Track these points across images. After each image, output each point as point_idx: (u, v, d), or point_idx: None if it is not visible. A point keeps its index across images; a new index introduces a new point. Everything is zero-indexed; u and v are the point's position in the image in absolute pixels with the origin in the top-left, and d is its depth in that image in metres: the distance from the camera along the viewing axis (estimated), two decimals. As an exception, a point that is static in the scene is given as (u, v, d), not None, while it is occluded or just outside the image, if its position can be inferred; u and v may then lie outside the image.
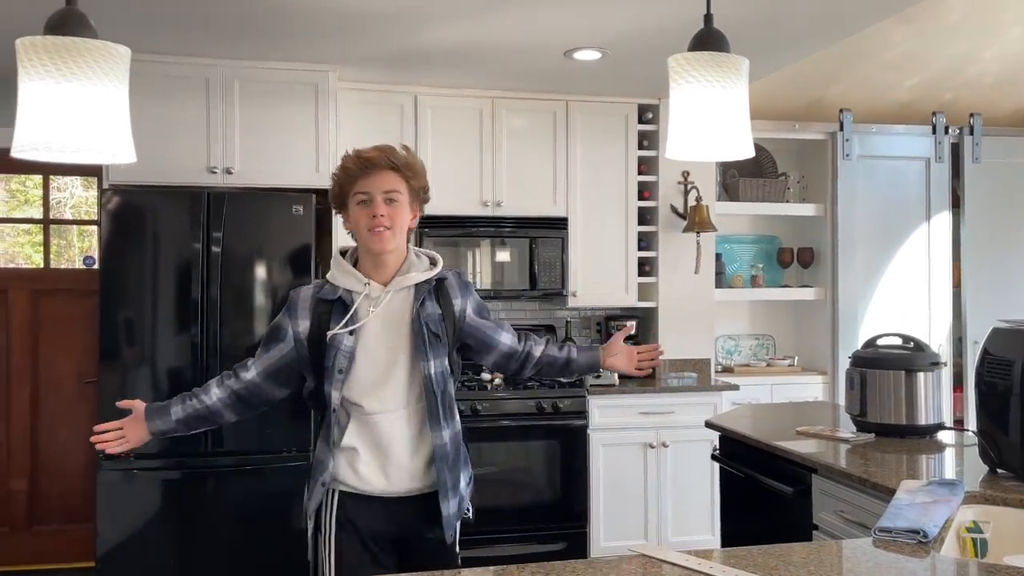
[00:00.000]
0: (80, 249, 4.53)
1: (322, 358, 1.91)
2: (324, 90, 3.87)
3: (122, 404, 2.01)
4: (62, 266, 4.44)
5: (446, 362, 2.00)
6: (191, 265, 3.53)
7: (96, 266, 4.33)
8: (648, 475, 4.21)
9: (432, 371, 1.93)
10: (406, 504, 1.96)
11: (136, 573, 3.47)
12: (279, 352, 1.98)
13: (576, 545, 4.09)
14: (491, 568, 1.48)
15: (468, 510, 2.08)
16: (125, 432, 1.98)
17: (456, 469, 1.98)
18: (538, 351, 2.17)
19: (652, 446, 4.20)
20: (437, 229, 4.25)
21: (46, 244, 4.35)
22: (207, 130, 3.75)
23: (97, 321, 4.19)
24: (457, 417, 2.05)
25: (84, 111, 1.11)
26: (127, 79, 1.20)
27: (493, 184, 4.35)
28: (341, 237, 4.05)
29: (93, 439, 1.97)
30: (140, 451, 3.44)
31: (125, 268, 3.50)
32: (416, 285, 1.98)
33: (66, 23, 1.15)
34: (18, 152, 1.18)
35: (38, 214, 4.38)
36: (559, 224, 4.41)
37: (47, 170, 4.27)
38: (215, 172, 3.75)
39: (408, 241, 2.07)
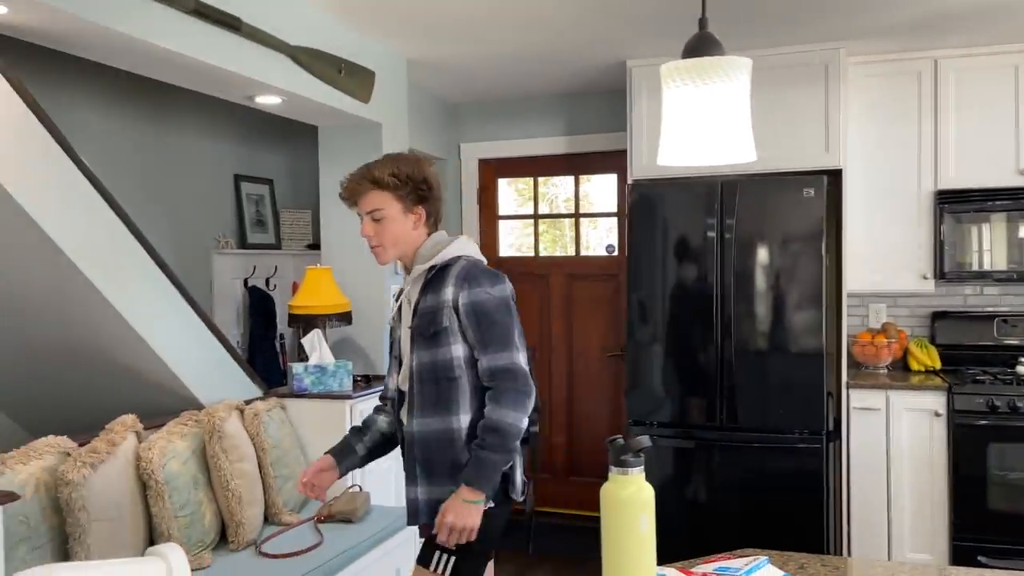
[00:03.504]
0: (572, 238, 5.16)
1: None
2: (834, 68, 3.79)
3: (307, 478, 2.08)
4: (585, 254, 5.12)
5: (443, 354, 1.96)
6: (705, 251, 3.78)
7: (615, 253, 4.91)
8: None
9: (413, 363, 1.98)
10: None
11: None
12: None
13: None
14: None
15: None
16: (315, 482, 2.08)
17: (436, 459, 1.97)
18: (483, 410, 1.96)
19: None
20: (961, 204, 3.87)
21: (576, 236, 5.07)
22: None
23: (617, 301, 4.77)
24: (462, 412, 1.97)
25: (716, 120, 1.32)
26: (748, 86, 1.38)
27: (1033, 149, 3.79)
28: (852, 217, 3.95)
29: (299, 489, 2.11)
30: (661, 420, 3.84)
31: (646, 254, 3.89)
32: (418, 275, 2.03)
33: (700, 45, 1.37)
34: (664, 160, 1.44)
35: (531, 210, 5.12)
36: None
37: (577, 171, 4.97)
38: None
39: (433, 229, 2.09)
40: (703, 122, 1.35)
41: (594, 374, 4.93)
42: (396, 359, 2.10)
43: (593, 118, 4.81)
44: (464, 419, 1.98)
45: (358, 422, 2.21)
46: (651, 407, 3.87)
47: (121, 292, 2.73)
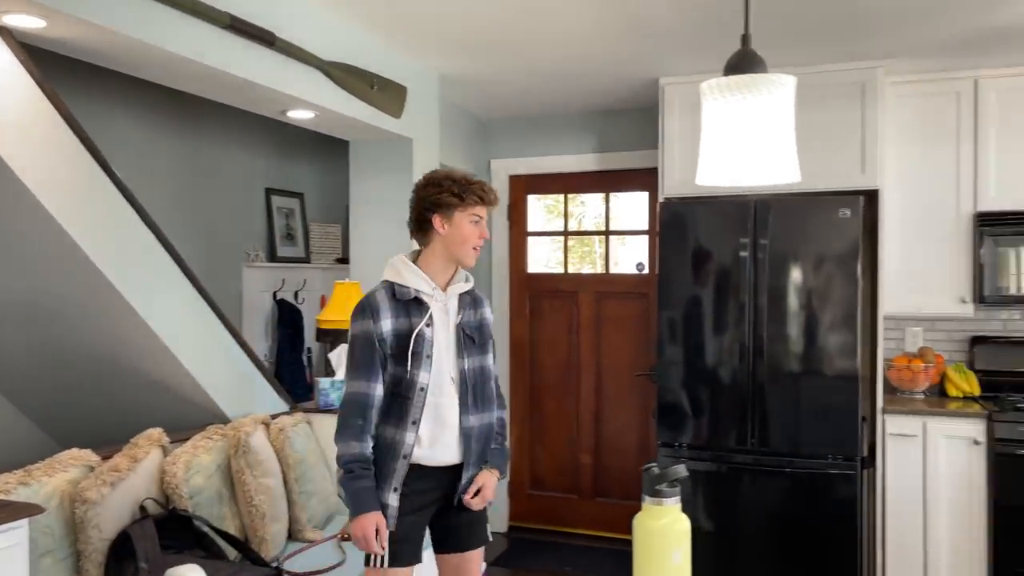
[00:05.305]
0: (600, 255, 5.12)
1: (407, 349, 2.17)
2: (871, 87, 3.73)
3: (378, 548, 2.16)
4: (614, 272, 5.07)
5: (483, 361, 2.31)
6: (737, 270, 3.71)
7: (645, 271, 4.85)
8: None
9: (466, 367, 2.27)
10: (443, 473, 2.26)
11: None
12: (377, 357, 2.18)
13: None
14: None
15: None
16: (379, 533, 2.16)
17: (485, 448, 2.31)
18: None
19: None
20: (1001, 227, 3.77)
21: (607, 253, 5.02)
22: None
23: (646, 320, 4.71)
24: (495, 409, 2.35)
25: (758, 138, 1.27)
26: (792, 105, 1.34)
27: (1078, 172, 3.69)
28: (889, 239, 3.87)
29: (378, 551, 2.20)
30: (692, 443, 3.77)
31: (677, 273, 3.84)
32: (460, 293, 2.29)
33: (743, 62, 1.33)
34: (702, 180, 1.40)
35: (561, 227, 5.08)
36: None
37: (608, 188, 4.93)
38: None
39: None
40: (745, 140, 1.31)
41: (623, 394, 4.86)
42: (428, 358, 2.24)
43: (624, 135, 4.78)
44: (497, 415, 2.39)
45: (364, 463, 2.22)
46: (680, 429, 3.80)
47: (150, 304, 2.73)
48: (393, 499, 2.18)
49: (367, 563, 2.20)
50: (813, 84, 3.82)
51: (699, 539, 3.74)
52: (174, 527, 2.50)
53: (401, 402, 2.19)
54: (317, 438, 3.32)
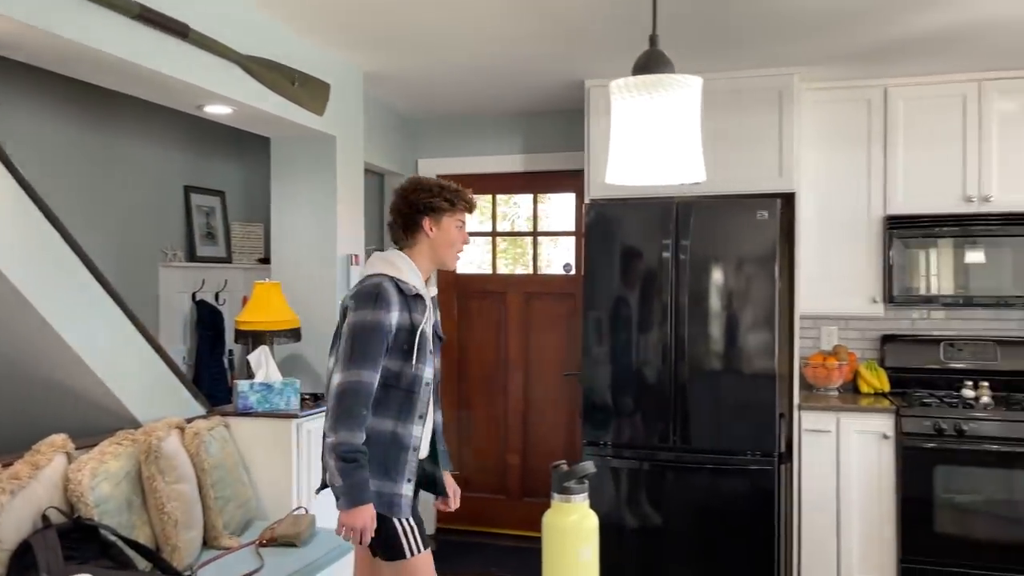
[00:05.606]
0: (528, 256, 5.15)
1: (409, 344, 2.22)
2: (788, 94, 3.84)
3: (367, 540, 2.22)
4: (546, 272, 5.09)
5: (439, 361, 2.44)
6: (660, 271, 3.77)
7: (573, 272, 4.89)
8: None
9: (437, 365, 2.40)
10: (423, 464, 2.43)
11: (605, 542, 3.82)
12: (383, 348, 2.20)
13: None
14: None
15: None
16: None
17: (434, 443, 2.48)
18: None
19: None
20: (909, 229, 3.93)
21: (535, 254, 5.04)
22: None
23: (574, 321, 4.74)
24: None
25: (664, 138, 1.29)
26: (698, 105, 1.35)
27: (979, 177, 3.87)
28: (805, 240, 3.98)
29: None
30: (617, 441, 3.81)
31: (602, 274, 3.88)
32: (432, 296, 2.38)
33: (650, 62, 1.34)
34: (612, 179, 1.41)
35: (489, 228, 5.09)
36: (1068, 219, 3.75)
37: (535, 189, 4.95)
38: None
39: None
40: (652, 140, 1.32)
41: (551, 394, 4.89)
42: (430, 354, 2.33)
43: (552, 137, 4.81)
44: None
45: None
46: (606, 428, 3.84)
47: (53, 304, 2.61)
48: (408, 489, 2.26)
49: (391, 556, 2.24)
50: (733, 89, 3.91)
51: (624, 536, 3.81)
52: (79, 537, 2.40)
53: (403, 396, 2.24)
54: (235, 442, 3.24)
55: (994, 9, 3.06)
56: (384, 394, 2.21)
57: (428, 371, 2.29)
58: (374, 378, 2.17)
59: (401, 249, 2.35)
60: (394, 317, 2.20)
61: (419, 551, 2.25)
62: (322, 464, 2.27)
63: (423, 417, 2.29)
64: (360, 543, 2.18)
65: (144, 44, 2.59)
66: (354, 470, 2.12)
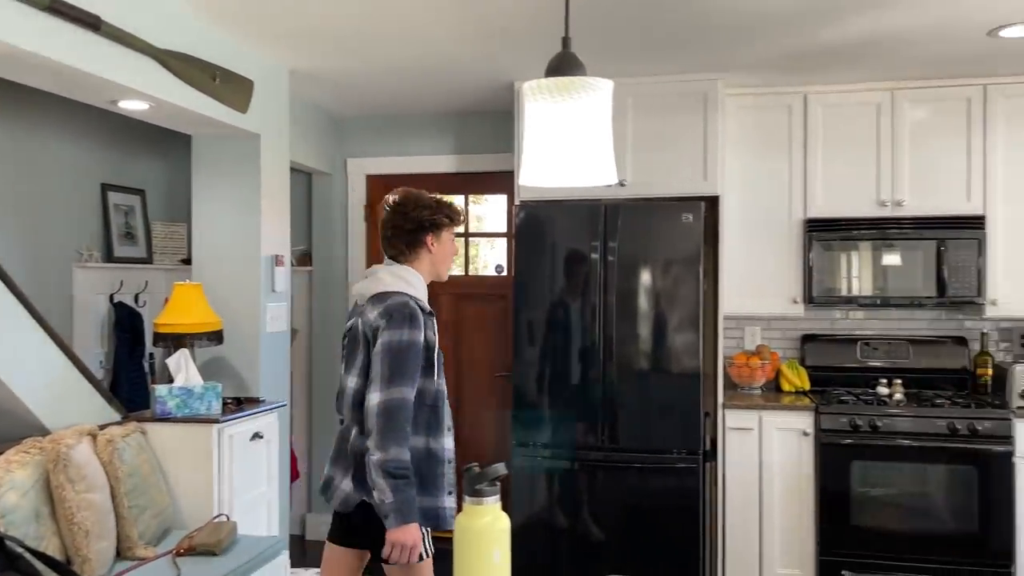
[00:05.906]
0: (470, 258, 5.15)
1: (432, 360, 2.27)
2: (712, 99, 3.92)
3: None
4: (482, 274, 5.09)
5: None
6: (589, 273, 3.81)
7: (504, 273, 4.89)
8: (1096, 518, 3.55)
9: None
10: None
11: (536, 542, 3.84)
12: (420, 365, 2.23)
13: (997, 588, 3.60)
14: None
15: None
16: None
17: None
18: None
19: (1102, 484, 3.53)
20: (828, 232, 4.06)
21: (466, 255, 5.03)
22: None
23: (506, 322, 4.74)
24: None
25: (576, 140, 1.29)
26: (610, 108, 1.36)
27: (892, 182, 4.03)
28: (729, 243, 4.07)
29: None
30: (547, 442, 3.83)
31: (532, 275, 3.89)
32: None
33: (562, 65, 1.35)
34: (525, 180, 1.41)
35: None
36: (974, 223, 3.92)
37: (468, 190, 4.94)
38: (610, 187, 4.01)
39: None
40: (564, 142, 1.33)
41: (483, 395, 4.88)
42: (441, 367, 2.36)
43: (484, 138, 4.80)
44: None
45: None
46: (536, 429, 3.86)
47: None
48: (451, 501, 2.30)
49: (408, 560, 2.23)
50: (658, 93, 3.97)
51: (555, 536, 3.83)
52: (-20, 550, 2.29)
53: (429, 411, 2.28)
54: (153, 449, 3.14)
55: (905, 22, 3.18)
56: (414, 411, 2.24)
57: (444, 385, 2.37)
58: (412, 396, 2.20)
59: (400, 264, 2.40)
60: (425, 335, 2.26)
61: (431, 553, 2.31)
62: (351, 480, 2.27)
63: (450, 429, 2.35)
64: (408, 562, 2.17)
65: (52, 36, 2.49)
66: (405, 486, 2.13)
